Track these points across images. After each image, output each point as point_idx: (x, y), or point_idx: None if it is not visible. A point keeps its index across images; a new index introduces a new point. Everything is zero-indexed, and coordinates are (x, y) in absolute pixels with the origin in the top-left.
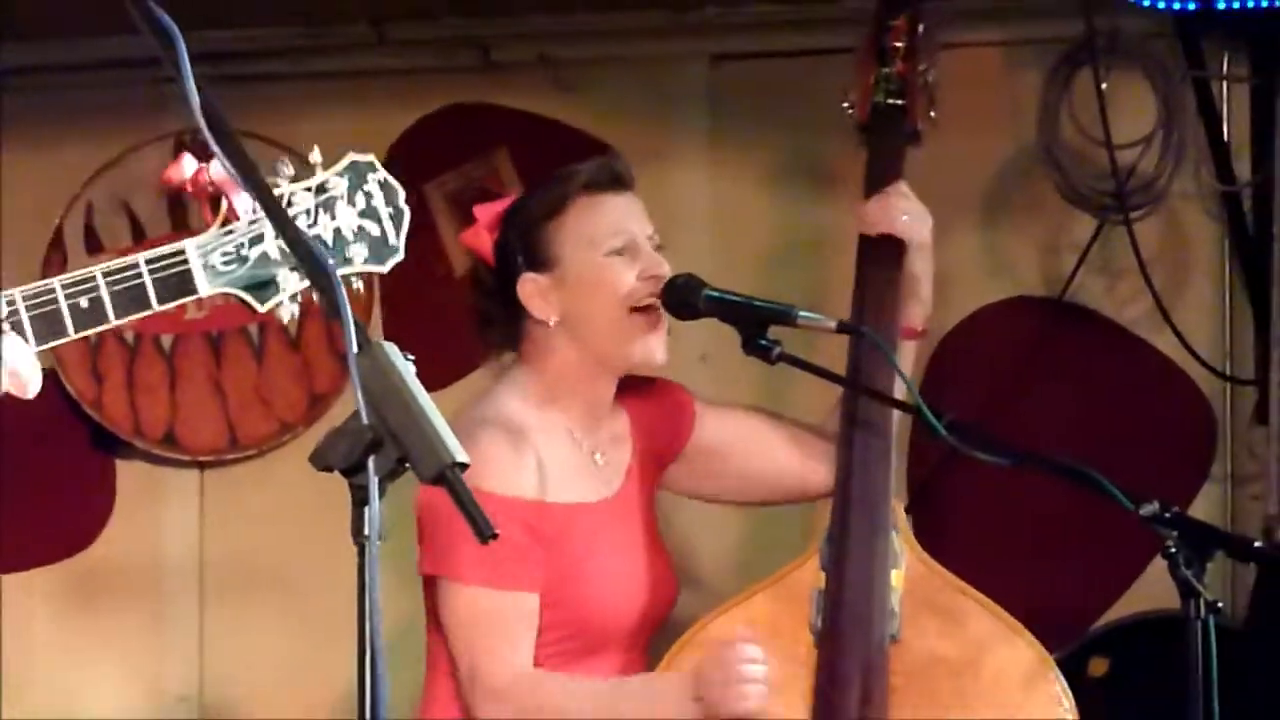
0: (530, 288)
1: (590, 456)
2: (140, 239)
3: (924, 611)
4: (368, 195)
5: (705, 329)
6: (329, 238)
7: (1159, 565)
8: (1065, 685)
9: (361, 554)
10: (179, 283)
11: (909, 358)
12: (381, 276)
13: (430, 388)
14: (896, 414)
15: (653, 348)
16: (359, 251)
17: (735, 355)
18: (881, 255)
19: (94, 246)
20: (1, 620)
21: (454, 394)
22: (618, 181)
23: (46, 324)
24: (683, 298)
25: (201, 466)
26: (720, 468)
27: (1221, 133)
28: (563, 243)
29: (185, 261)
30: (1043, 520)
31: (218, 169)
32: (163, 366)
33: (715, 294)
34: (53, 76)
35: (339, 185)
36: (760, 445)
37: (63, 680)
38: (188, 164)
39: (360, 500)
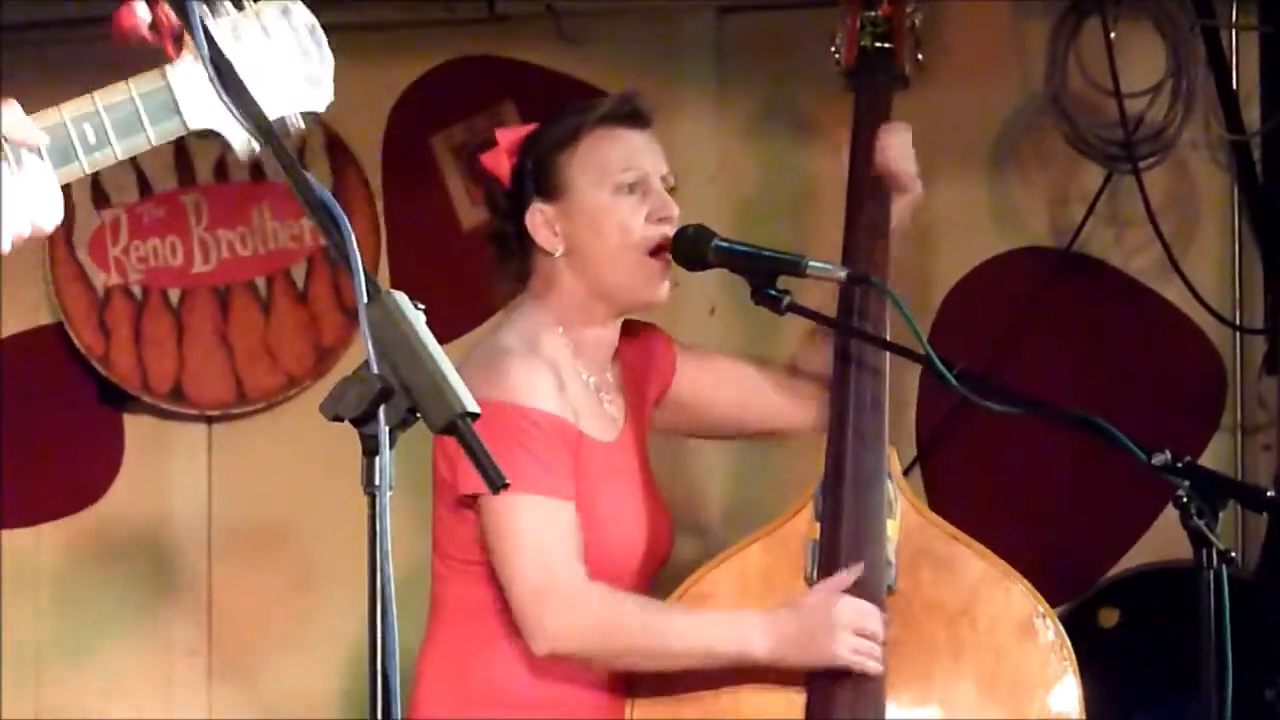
0: (538, 217)
1: (597, 395)
2: (147, 193)
3: (919, 560)
4: (296, 32)
5: (714, 281)
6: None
7: (1170, 515)
8: (1062, 630)
9: (372, 504)
10: (168, 111)
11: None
12: (389, 227)
13: (437, 340)
14: (889, 361)
15: (658, 290)
16: (299, 88)
17: (744, 307)
18: (875, 200)
19: (100, 200)
20: (8, 575)
21: (461, 346)
22: (636, 117)
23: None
24: (692, 248)
25: (209, 421)
26: (695, 409)
27: (1231, 81)
28: (573, 173)
29: (169, 88)
30: (1054, 471)
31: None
32: (170, 321)
33: (724, 244)
34: (55, 32)
35: (270, 19)
36: (731, 384)
37: (70, 634)
38: (141, 9)
39: (371, 450)
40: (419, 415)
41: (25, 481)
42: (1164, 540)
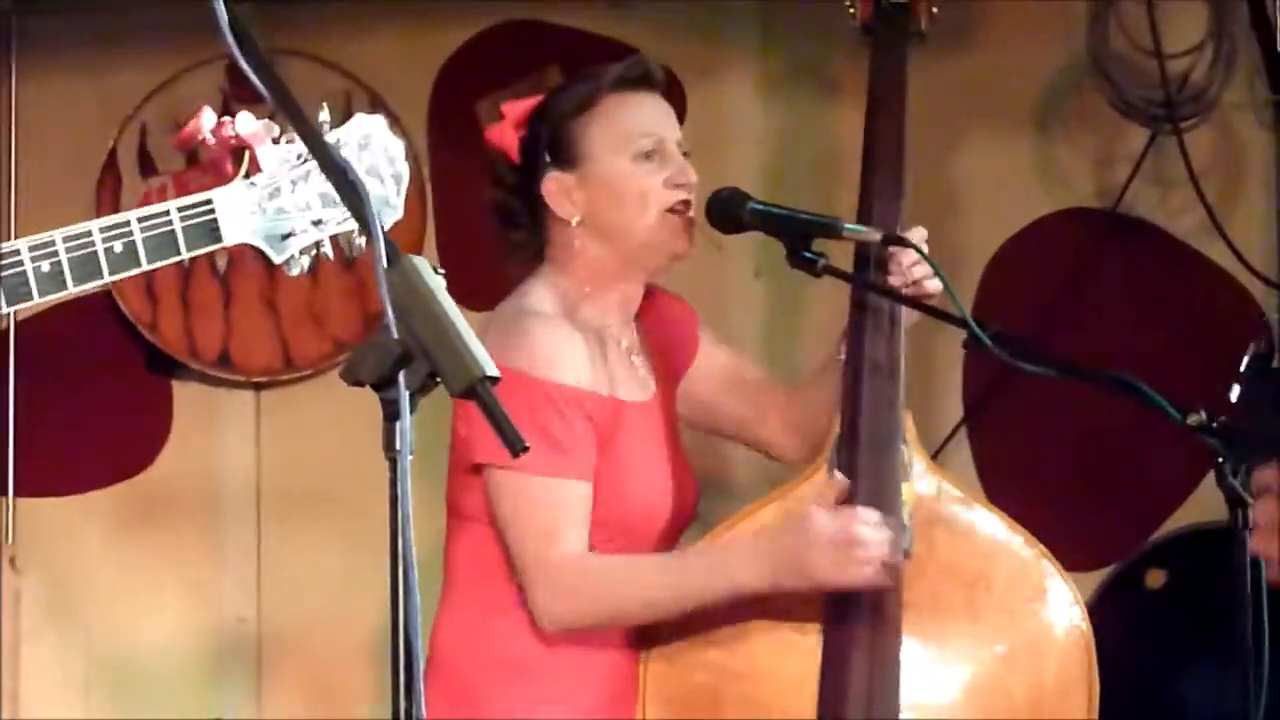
0: (554, 185)
1: (628, 357)
2: (193, 161)
3: (935, 524)
4: (373, 154)
5: (758, 245)
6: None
7: None
8: (1076, 590)
9: (393, 469)
10: (206, 231)
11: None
12: (435, 192)
13: (481, 306)
14: (905, 325)
15: (681, 241)
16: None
17: (789, 270)
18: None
19: (148, 169)
20: (58, 543)
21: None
22: (648, 80)
23: (83, 267)
24: (727, 211)
25: (257, 387)
26: (700, 399)
27: (1274, 41)
28: (590, 140)
29: (213, 210)
30: (1101, 432)
31: (243, 123)
32: (217, 287)
33: (760, 207)
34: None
35: (349, 143)
36: (739, 396)
37: (122, 602)
38: (207, 117)
39: (391, 415)
40: (439, 379)
41: (74, 450)
42: (1212, 501)
